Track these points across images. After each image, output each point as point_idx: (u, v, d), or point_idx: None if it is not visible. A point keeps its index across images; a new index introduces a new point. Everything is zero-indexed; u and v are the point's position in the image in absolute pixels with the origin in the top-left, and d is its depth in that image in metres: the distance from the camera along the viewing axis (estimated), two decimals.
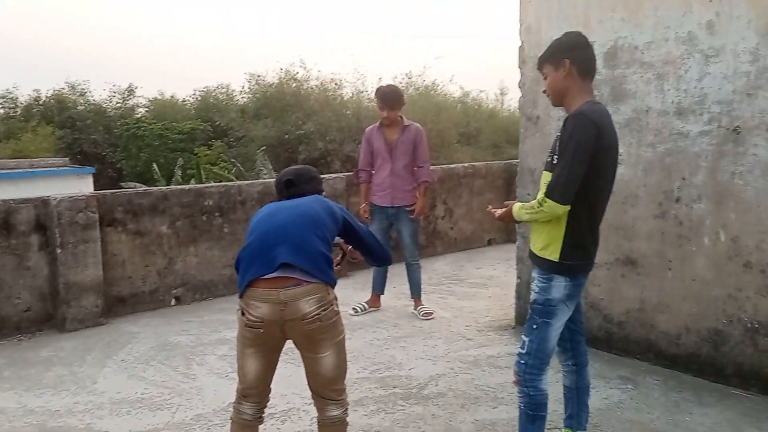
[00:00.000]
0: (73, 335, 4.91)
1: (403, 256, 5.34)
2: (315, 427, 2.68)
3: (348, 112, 19.24)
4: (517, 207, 2.68)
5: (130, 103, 30.41)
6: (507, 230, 8.18)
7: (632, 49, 3.99)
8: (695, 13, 3.68)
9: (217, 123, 23.97)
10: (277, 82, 22.10)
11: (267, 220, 2.62)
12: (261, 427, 2.74)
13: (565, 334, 2.78)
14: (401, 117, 5.17)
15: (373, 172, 5.23)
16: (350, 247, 2.94)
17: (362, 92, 20.18)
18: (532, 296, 2.66)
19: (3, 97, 28.12)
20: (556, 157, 2.50)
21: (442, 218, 7.83)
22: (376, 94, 5.24)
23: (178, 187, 5.96)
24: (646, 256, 4.04)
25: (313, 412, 2.71)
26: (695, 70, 3.72)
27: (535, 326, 2.64)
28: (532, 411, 2.65)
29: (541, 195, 2.51)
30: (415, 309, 5.32)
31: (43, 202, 5.04)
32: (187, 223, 5.70)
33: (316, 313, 2.45)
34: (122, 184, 17.79)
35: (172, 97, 31.27)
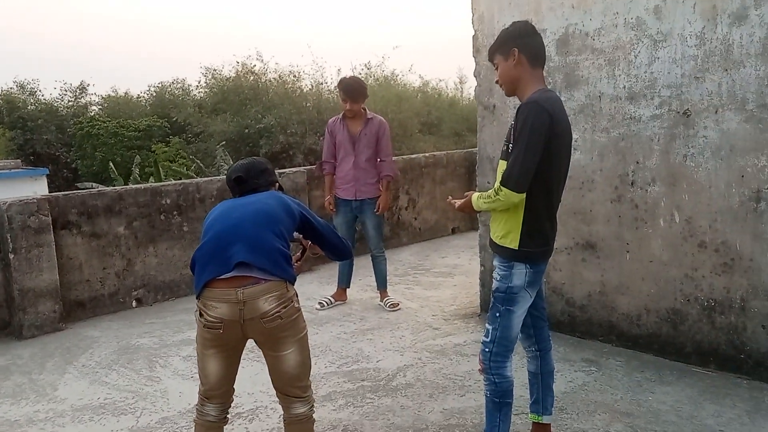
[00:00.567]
0: (30, 342, 4.77)
1: (369, 248, 5.34)
2: (283, 425, 2.66)
3: (308, 104, 19.08)
4: (475, 197, 2.69)
5: (83, 101, 29.62)
6: (470, 219, 8.24)
7: (583, 35, 4.04)
8: None
9: (174, 119, 23.50)
10: (234, 75, 21.77)
11: (221, 218, 2.57)
12: (228, 427, 2.71)
13: (528, 320, 2.81)
14: (364, 109, 5.14)
15: (336, 164, 5.20)
16: (310, 242, 2.91)
17: (321, 84, 20.03)
18: (494, 284, 2.68)
19: None
20: (510, 145, 2.52)
21: (406, 209, 7.85)
22: (338, 86, 5.20)
23: (134, 186, 5.83)
24: (604, 239, 4.12)
25: (281, 409, 2.69)
26: (645, 55, 3.78)
27: (498, 314, 2.66)
28: (498, 398, 2.68)
29: (497, 184, 2.53)
30: (382, 301, 5.32)
31: None
32: (144, 223, 5.58)
33: (276, 310, 2.42)
34: (78, 184, 17.36)
35: (125, 93, 30.57)
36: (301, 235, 2.85)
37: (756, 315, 3.53)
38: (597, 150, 4.08)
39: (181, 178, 13.90)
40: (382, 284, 5.37)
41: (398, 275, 6.26)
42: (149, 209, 5.61)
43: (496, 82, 2.76)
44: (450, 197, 2.99)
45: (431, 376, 3.86)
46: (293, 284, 2.55)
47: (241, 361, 2.67)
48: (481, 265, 4.94)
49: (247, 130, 18.46)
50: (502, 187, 2.48)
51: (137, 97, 30.16)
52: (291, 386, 2.56)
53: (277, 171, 6.37)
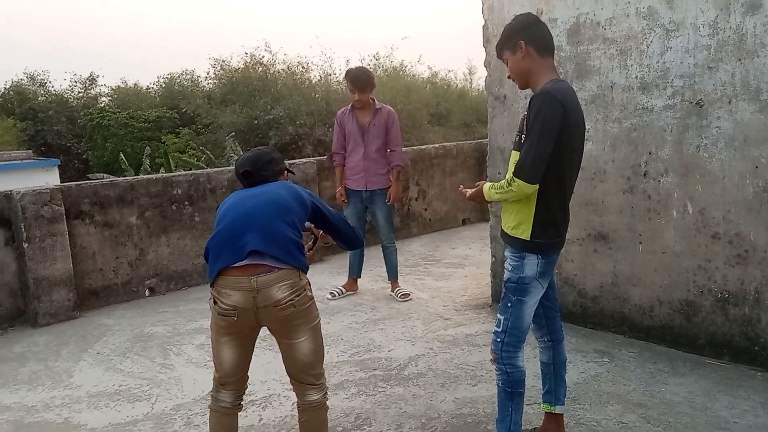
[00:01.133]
0: (46, 330, 4.84)
1: (379, 239, 5.35)
2: (296, 412, 2.69)
3: (317, 95, 19.06)
4: (487, 187, 2.69)
5: (93, 92, 29.76)
6: (481, 209, 8.24)
7: (594, 25, 4.01)
8: None
9: (184, 110, 23.57)
10: (243, 66, 21.78)
11: (234, 208, 2.60)
12: (242, 414, 2.75)
13: (540, 310, 2.81)
14: (373, 99, 5.14)
15: (346, 155, 5.20)
16: (321, 231, 2.93)
17: (330, 75, 20.01)
18: (506, 275, 2.69)
19: None
20: (523, 136, 2.51)
21: (416, 200, 7.85)
22: (346, 76, 5.20)
23: (146, 177, 5.87)
24: (616, 230, 4.11)
25: (294, 397, 2.72)
26: (657, 45, 3.76)
27: (509, 304, 2.66)
28: (510, 388, 2.69)
29: (509, 174, 2.53)
30: (393, 291, 5.34)
31: (6, 197, 4.93)
32: (156, 213, 5.62)
33: (289, 298, 2.44)
34: (89, 175, 17.45)
35: (135, 85, 30.69)
36: (312, 225, 2.87)
37: None
38: (609, 140, 4.06)
39: (191, 169, 13.95)
40: (392, 275, 5.38)
41: (409, 266, 6.28)
42: (161, 199, 5.65)
43: (508, 77, 2.75)
44: (461, 186, 2.99)
45: (443, 366, 3.87)
46: (306, 273, 2.57)
47: (255, 349, 2.69)
48: (492, 255, 4.94)
49: (256, 122, 18.48)
50: (515, 177, 2.48)
51: (147, 89, 30.28)
52: (305, 374, 2.59)
53: (286, 162, 6.41)
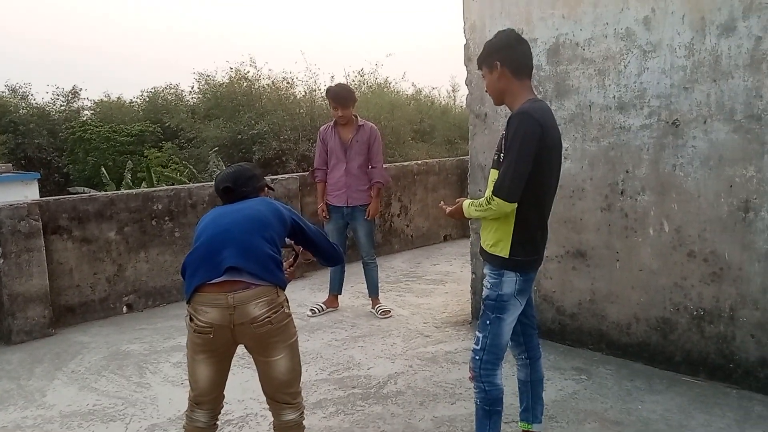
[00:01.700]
0: (19, 347, 4.74)
1: (360, 255, 5.34)
2: None
3: (301, 110, 19.09)
4: (466, 204, 2.71)
5: (75, 105, 29.55)
6: (463, 226, 8.26)
7: (573, 45, 4.07)
8: (632, 9, 3.78)
9: (167, 124, 23.49)
10: (228, 81, 21.78)
11: (212, 224, 2.58)
12: None
13: (518, 328, 2.82)
14: (356, 116, 5.16)
15: (328, 171, 5.21)
16: (302, 248, 2.92)
17: (315, 90, 20.05)
18: (485, 292, 2.70)
19: None
20: (502, 155, 2.54)
21: (398, 216, 7.86)
22: (327, 94, 5.22)
23: (126, 192, 5.82)
24: (594, 248, 4.14)
25: (271, 417, 2.68)
26: (634, 65, 3.82)
27: (488, 322, 2.67)
28: (488, 406, 2.69)
29: (488, 193, 2.55)
30: (373, 308, 5.32)
31: None
32: (136, 229, 5.57)
33: (266, 315, 2.42)
34: (69, 189, 17.28)
35: (118, 98, 30.53)
36: (293, 241, 2.86)
37: (745, 324, 3.56)
38: (587, 159, 4.11)
39: (173, 184, 13.87)
40: (373, 291, 5.37)
41: (390, 282, 6.27)
42: (141, 215, 5.60)
43: (486, 91, 2.78)
44: (442, 202, 3.01)
45: (422, 384, 3.86)
46: (284, 289, 2.55)
47: (231, 367, 2.66)
48: (473, 272, 4.95)
49: (240, 136, 18.45)
50: (494, 196, 2.49)
51: (130, 103, 30.15)
52: (281, 392, 2.56)
53: (269, 177, 6.39)
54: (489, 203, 2.52)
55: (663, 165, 3.77)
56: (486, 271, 2.72)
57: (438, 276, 6.55)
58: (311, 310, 5.31)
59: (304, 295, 5.85)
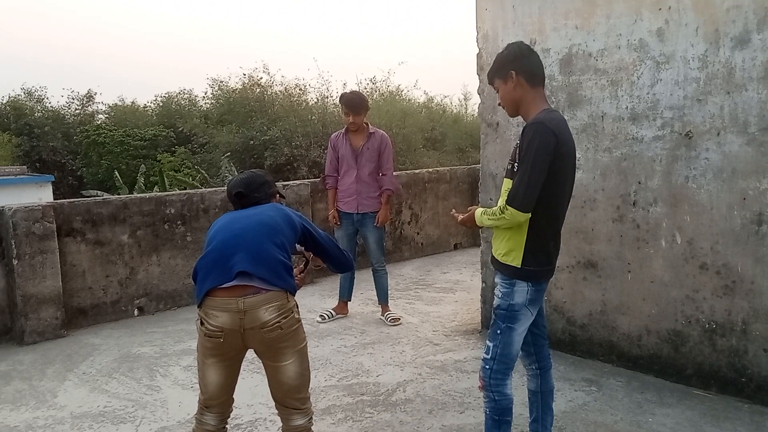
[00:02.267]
0: (32, 348, 4.79)
1: (370, 263, 5.35)
2: None
3: (313, 117, 19.17)
4: (479, 212, 2.71)
5: (90, 109, 29.85)
6: (473, 234, 8.26)
7: (586, 56, 4.08)
8: (645, 21, 3.78)
9: (180, 129, 23.65)
10: (241, 87, 21.93)
11: (224, 229, 2.61)
12: None
13: (528, 338, 2.82)
14: (367, 124, 5.19)
15: (339, 178, 5.23)
16: (312, 254, 2.94)
17: (327, 97, 20.14)
18: (496, 301, 2.70)
19: None
20: (516, 164, 2.54)
21: (409, 223, 7.87)
22: (340, 100, 5.25)
23: (139, 195, 5.87)
24: (606, 258, 4.13)
25: (280, 422, 2.69)
26: (647, 77, 3.82)
27: (498, 331, 2.67)
28: (498, 416, 2.68)
29: (502, 202, 2.55)
30: (383, 315, 5.33)
31: None
32: (148, 232, 5.61)
33: (276, 321, 2.44)
34: (83, 192, 17.43)
35: (132, 103, 30.81)
36: (303, 248, 2.88)
37: (757, 338, 3.53)
38: (599, 169, 4.10)
39: (185, 188, 13.95)
40: (383, 298, 5.37)
41: (399, 290, 6.27)
42: (153, 218, 5.64)
43: (499, 104, 2.79)
44: (453, 210, 3.01)
45: (431, 392, 3.85)
46: (294, 295, 2.57)
47: (241, 372, 2.68)
48: (483, 281, 4.95)
49: (252, 142, 18.55)
50: (507, 206, 2.50)
51: (144, 107, 30.39)
52: (290, 397, 2.57)
53: (281, 183, 6.42)
54: (503, 212, 2.53)
55: (676, 176, 3.76)
56: (497, 280, 2.72)
57: (448, 284, 6.54)
58: (321, 316, 5.33)
59: (313, 301, 5.86)
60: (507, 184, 2.61)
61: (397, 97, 22.18)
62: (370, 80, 22.09)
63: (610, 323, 4.15)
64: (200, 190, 6.35)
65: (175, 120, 25.28)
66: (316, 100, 20.40)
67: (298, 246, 2.81)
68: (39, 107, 28.51)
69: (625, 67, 3.90)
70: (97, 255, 5.34)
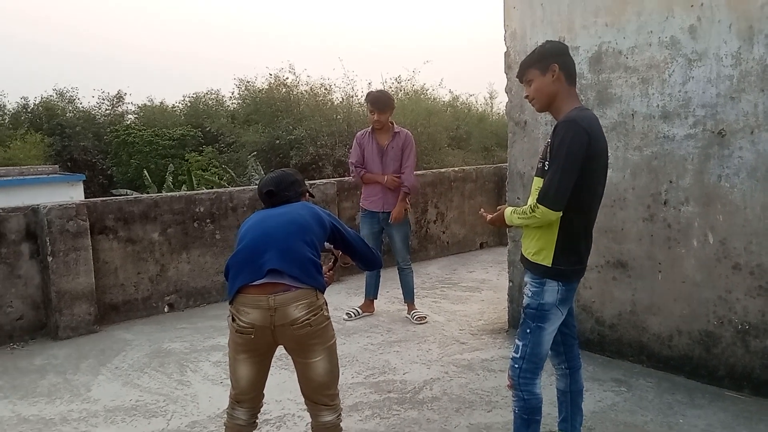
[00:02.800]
0: (66, 343, 4.90)
1: (395, 261, 5.37)
2: None
3: (338, 116, 19.27)
4: (509, 211, 2.71)
5: (120, 109, 30.39)
6: (499, 233, 8.22)
7: (616, 53, 4.03)
8: (677, 18, 3.73)
9: (208, 129, 23.96)
10: (267, 87, 22.12)
11: (255, 227, 2.65)
12: None
13: (558, 337, 2.80)
14: (392, 123, 5.20)
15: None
16: (341, 252, 2.97)
17: (352, 97, 20.23)
18: (525, 300, 2.69)
19: None
20: (547, 163, 2.53)
21: (434, 222, 7.86)
22: (366, 98, 5.28)
23: (169, 194, 5.96)
24: (636, 258, 4.08)
25: (308, 417, 2.73)
26: (679, 74, 3.77)
27: (528, 330, 2.66)
28: (527, 415, 2.68)
29: (533, 200, 2.54)
30: (409, 313, 5.34)
31: (33, 211, 5.03)
32: (178, 230, 5.70)
33: (305, 318, 2.47)
34: (113, 191, 17.76)
35: (161, 103, 31.26)
36: (332, 246, 2.91)
37: None
38: (629, 168, 4.06)
39: (213, 187, 14.13)
40: (409, 297, 5.38)
41: (425, 288, 6.27)
42: (183, 217, 5.73)
43: (526, 97, 2.77)
44: (482, 210, 3.01)
45: (458, 391, 3.85)
46: (323, 292, 2.60)
47: (270, 368, 2.71)
48: (510, 280, 4.93)
49: (278, 141, 18.72)
50: (539, 204, 2.49)
51: (172, 107, 30.81)
52: (319, 394, 2.60)
53: (307, 182, 6.46)
54: (533, 211, 2.52)
55: (708, 175, 3.70)
56: (527, 279, 2.71)
57: (474, 283, 6.53)
58: (347, 313, 5.36)
59: (340, 299, 5.89)
60: (537, 182, 2.60)
61: (422, 96, 22.19)
62: (395, 79, 22.14)
63: (640, 323, 4.11)
64: (229, 189, 6.43)
65: (203, 120, 25.63)
66: (341, 99, 20.51)
67: (326, 244, 2.84)
68: (70, 108, 29.11)
69: (656, 65, 3.85)
70: (129, 252, 5.44)
